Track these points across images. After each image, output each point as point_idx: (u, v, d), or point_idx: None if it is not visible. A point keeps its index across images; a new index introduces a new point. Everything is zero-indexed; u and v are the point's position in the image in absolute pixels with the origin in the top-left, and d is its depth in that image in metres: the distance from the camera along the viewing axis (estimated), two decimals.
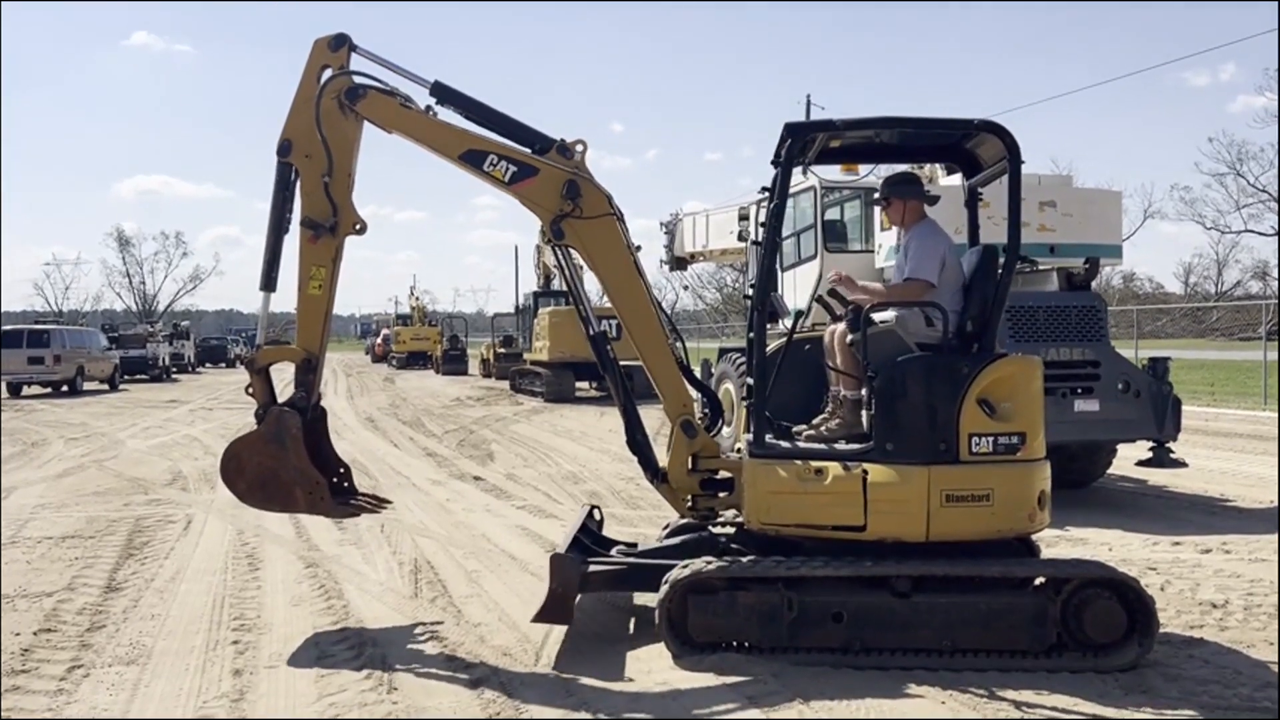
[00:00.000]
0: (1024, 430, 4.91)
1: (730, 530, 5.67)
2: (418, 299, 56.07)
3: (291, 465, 5.43)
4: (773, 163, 5.27)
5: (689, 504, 5.55)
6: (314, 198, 5.48)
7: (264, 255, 5.72)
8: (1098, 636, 4.79)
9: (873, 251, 10.62)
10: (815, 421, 5.46)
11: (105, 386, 30.65)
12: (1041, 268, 10.31)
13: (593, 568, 5.39)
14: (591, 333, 5.73)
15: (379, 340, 57.98)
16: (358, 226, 5.57)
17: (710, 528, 5.70)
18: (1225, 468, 11.69)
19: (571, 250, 5.59)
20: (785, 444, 5.18)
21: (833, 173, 12.48)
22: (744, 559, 5.05)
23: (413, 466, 12.56)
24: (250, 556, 7.47)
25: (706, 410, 5.84)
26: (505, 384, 28.79)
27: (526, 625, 5.35)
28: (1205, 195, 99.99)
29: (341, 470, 5.88)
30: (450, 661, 5.03)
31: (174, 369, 41.64)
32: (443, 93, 5.56)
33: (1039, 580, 4.98)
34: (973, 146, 5.64)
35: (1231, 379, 26.42)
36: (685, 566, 4.98)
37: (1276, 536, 7.74)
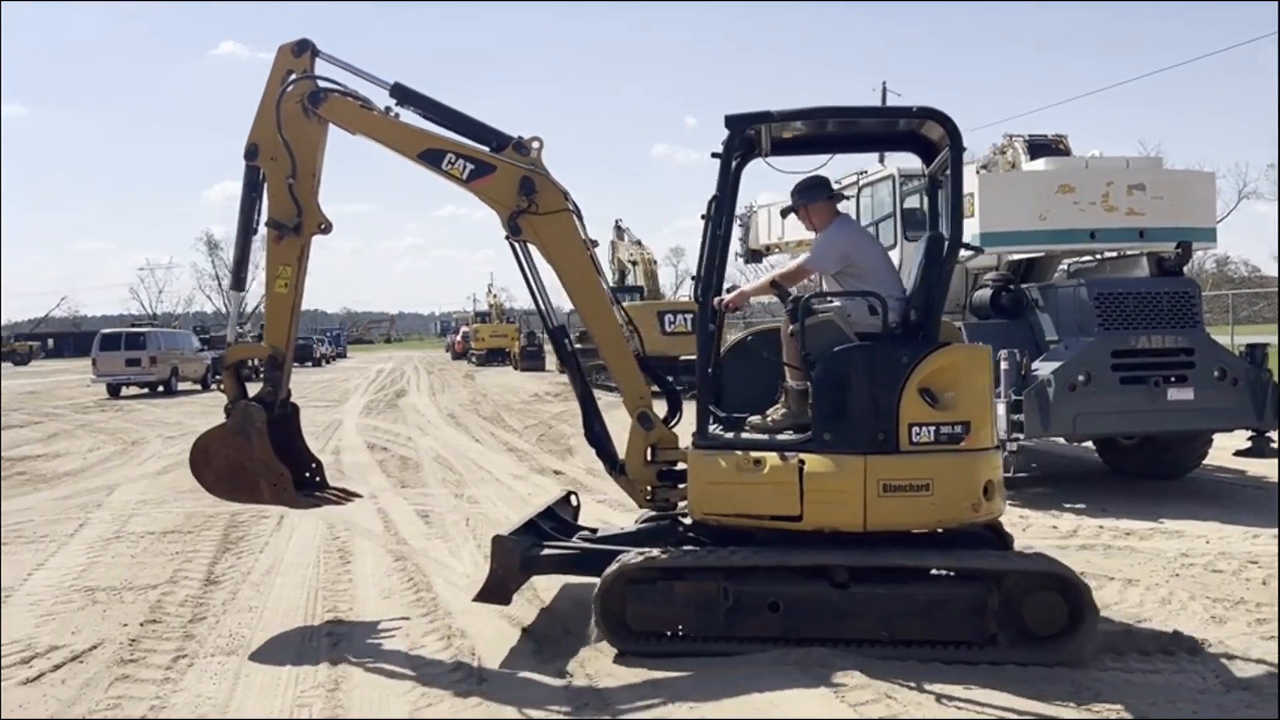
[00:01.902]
0: (968, 419, 4.88)
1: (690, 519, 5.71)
2: (495, 296, 56.76)
3: (256, 458, 5.60)
4: (714, 155, 5.30)
5: (647, 495, 5.62)
6: (279, 199, 5.66)
7: (233, 256, 6.04)
8: (1037, 629, 4.75)
9: None
10: (767, 413, 5.48)
11: (198, 386, 31.63)
12: (1130, 253, 10.05)
13: (544, 551, 5.48)
14: (549, 327, 5.96)
15: (458, 338, 58.79)
16: (322, 226, 5.73)
17: (677, 517, 5.69)
18: None
19: (530, 246, 5.69)
20: (729, 435, 5.24)
21: (912, 160, 12.29)
22: (680, 549, 5.10)
23: (494, 461, 12.74)
24: (341, 550, 7.66)
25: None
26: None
27: None
28: None
29: (314, 464, 6.10)
30: (537, 653, 5.11)
31: (262, 368, 42.69)
32: (402, 94, 5.70)
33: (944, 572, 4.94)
34: (925, 133, 5.61)
35: None
36: (620, 557, 5.03)
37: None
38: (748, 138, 5.47)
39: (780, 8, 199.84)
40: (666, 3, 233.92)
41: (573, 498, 6.56)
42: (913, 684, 4.46)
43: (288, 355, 5.83)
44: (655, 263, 29.61)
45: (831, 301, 5.34)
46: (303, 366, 52.77)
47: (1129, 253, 10.06)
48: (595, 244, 5.79)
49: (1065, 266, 11.04)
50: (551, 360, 39.10)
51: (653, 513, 5.85)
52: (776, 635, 4.86)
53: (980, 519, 4.98)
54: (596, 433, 5.74)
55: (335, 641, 5.40)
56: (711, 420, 5.36)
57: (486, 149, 5.62)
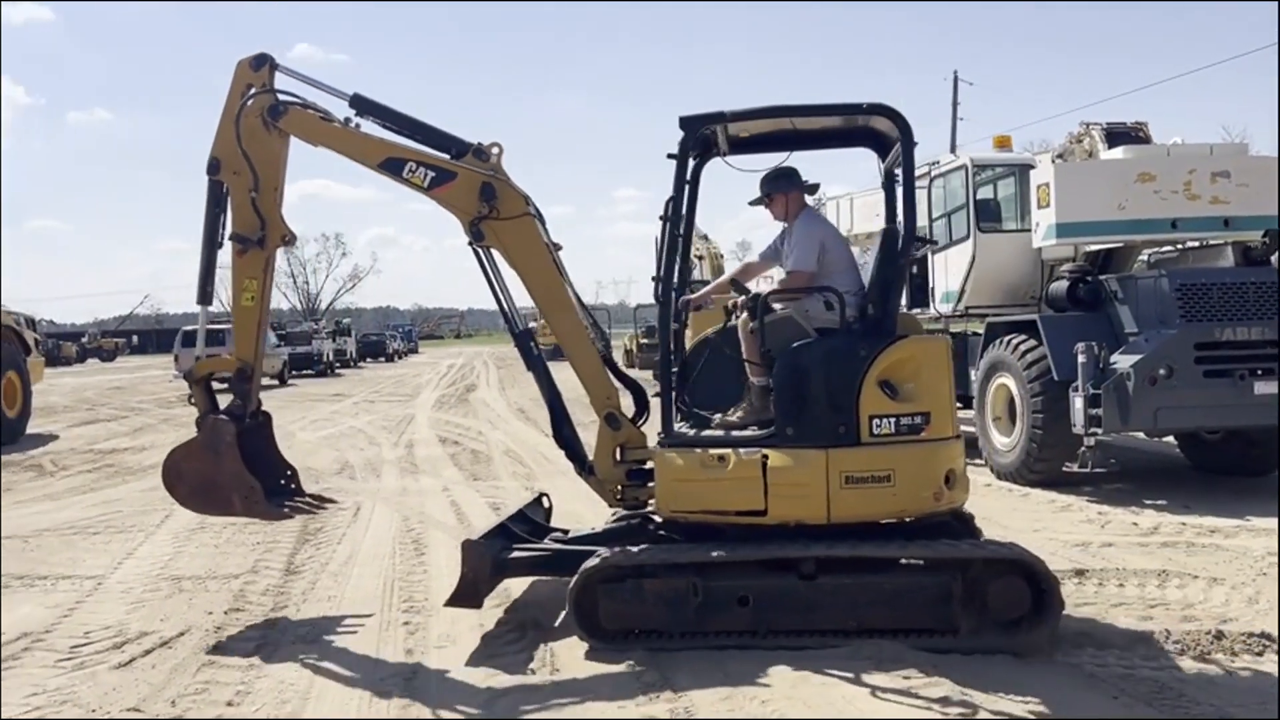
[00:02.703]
0: (928, 410, 4.96)
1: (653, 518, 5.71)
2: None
3: (227, 471, 5.61)
4: (669, 156, 5.36)
5: (617, 494, 5.65)
6: (243, 213, 5.69)
7: (199, 270, 5.94)
8: (1001, 615, 4.80)
9: (1029, 230, 10.25)
10: (730, 410, 5.51)
11: (275, 381, 32.37)
12: (1214, 243, 9.76)
13: (515, 554, 5.56)
14: (515, 331, 5.97)
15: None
16: (286, 238, 5.77)
17: (647, 515, 5.71)
18: None
19: (494, 250, 5.71)
20: (693, 432, 5.29)
21: (985, 149, 12.10)
22: (648, 546, 5.14)
23: (563, 455, 12.81)
24: (416, 542, 7.80)
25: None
26: (649, 374, 29.00)
27: None
28: None
29: (288, 473, 6.13)
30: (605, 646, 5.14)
31: (337, 364, 43.59)
32: (361, 104, 5.74)
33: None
34: (878, 129, 5.65)
35: None
36: (593, 556, 5.05)
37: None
38: (704, 138, 5.58)
39: (856, 6, 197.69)
40: (732, 2, 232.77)
41: (544, 499, 6.64)
42: (979, 683, 4.41)
43: (256, 367, 5.84)
44: (722, 256, 29.53)
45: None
46: (376, 362, 53.74)
47: (1212, 242, 9.77)
48: (559, 247, 5.81)
49: (1145, 257, 10.77)
50: (617, 354, 39.21)
51: (623, 512, 5.92)
52: (745, 629, 4.93)
53: (942, 508, 5.06)
54: (565, 435, 5.81)
55: (412, 631, 5.51)
56: (679, 418, 5.45)
57: (446, 156, 5.65)
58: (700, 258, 29.43)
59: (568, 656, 5.00)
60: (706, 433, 5.37)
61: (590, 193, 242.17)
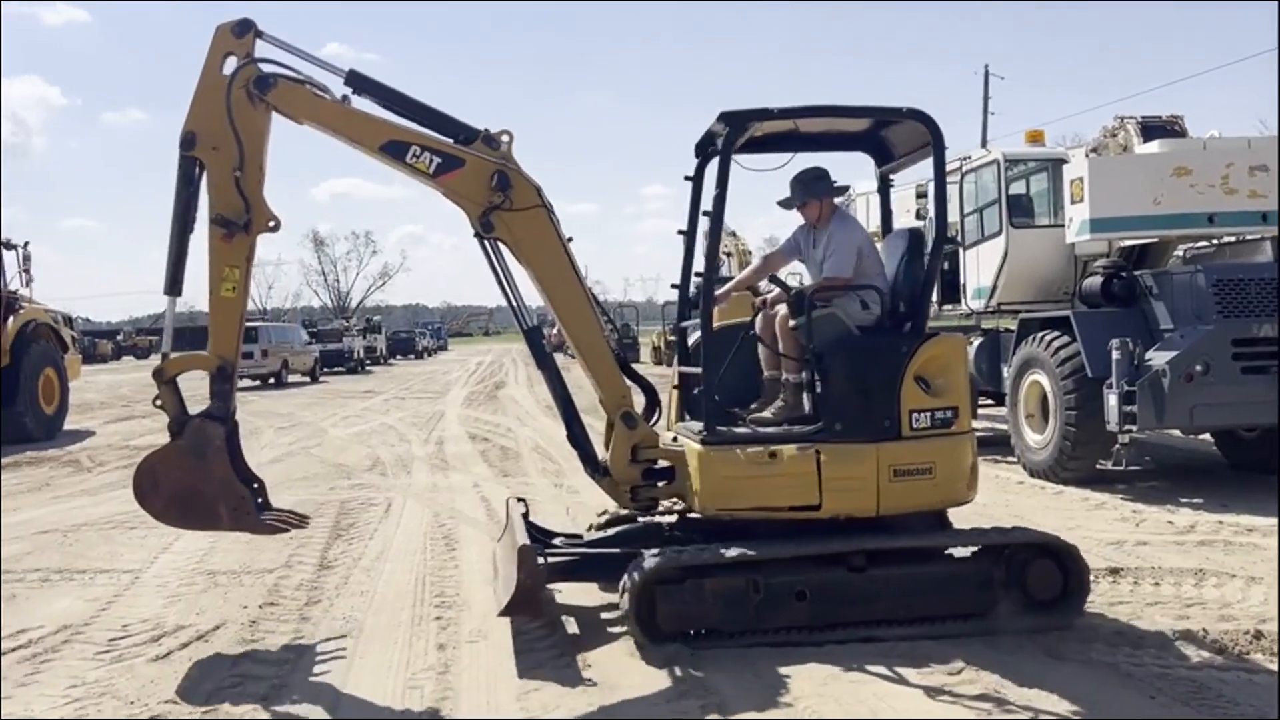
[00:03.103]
0: (956, 405, 5.16)
1: (670, 518, 5.72)
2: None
3: (215, 479, 5.10)
4: (713, 150, 5.39)
5: (631, 496, 5.54)
6: (224, 193, 5.11)
7: (168, 258, 5.29)
8: (1039, 595, 5.04)
9: (1062, 226, 10.15)
10: (754, 406, 5.51)
11: (307, 379, 32.71)
12: (1251, 237, 9.63)
13: (548, 559, 5.39)
14: (525, 328, 5.72)
15: (554, 330, 59.35)
16: (271, 224, 5.22)
17: (654, 517, 5.71)
18: None
19: (500, 244, 5.42)
20: (739, 429, 5.29)
21: (1017, 144, 11.99)
22: (699, 546, 5.07)
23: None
24: (447, 537, 7.85)
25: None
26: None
27: None
28: None
29: (255, 485, 5.44)
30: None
31: (368, 361, 43.93)
32: (359, 82, 5.31)
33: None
34: (887, 134, 5.85)
35: None
36: (652, 556, 4.97)
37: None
38: (709, 137, 5.62)
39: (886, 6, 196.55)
40: (746, 2, 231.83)
41: (521, 505, 6.43)
42: (1013, 682, 4.38)
43: (235, 366, 5.31)
44: (749, 253, 29.44)
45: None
46: (406, 359, 54.06)
47: (1250, 237, 9.63)
48: (570, 239, 5.54)
49: (1181, 253, 10.63)
50: (646, 351, 39.28)
51: (613, 516, 5.95)
52: (803, 624, 4.96)
53: (970, 499, 5.28)
54: (576, 434, 5.65)
55: (444, 625, 5.54)
56: (689, 415, 5.54)
57: (452, 142, 5.33)
58: (728, 254, 29.37)
59: (600, 653, 5.01)
60: (743, 430, 5.34)
61: (618, 190, 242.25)
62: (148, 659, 5.11)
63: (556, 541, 5.87)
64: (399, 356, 54.35)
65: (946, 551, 5.27)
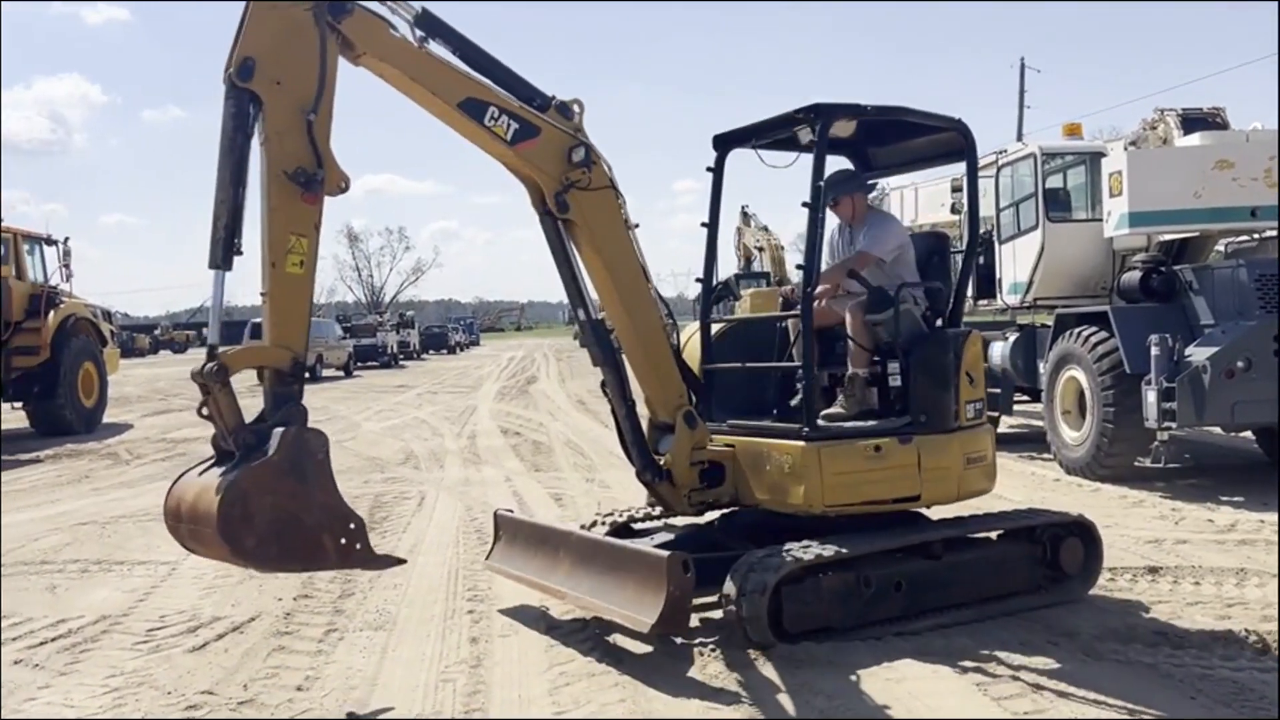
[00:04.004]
0: (983, 397, 5.53)
1: (696, 521, 5.81)
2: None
3: (317, 504, 4.11)
4: (806, 144, 5.54)
5: (690, 501, 5.40)
6: (291, 141, 4.17)
7: (216, 220, 4.15)
8: (1070, 570, 5.44)
9: (1100, 220, 10.01)
10: (835, 403, 5.49)
11: (341, 373, 32.96)
12: None
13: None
14: (592, 320, 5.25)
15: None
16: (343, 185, 4.34)
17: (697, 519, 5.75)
18: None
19: (568, 226, 5.01)
20: (849, 424, 5.32)
21: (1054, 137, 11.85)
22: (802, 545, 4.92)
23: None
24: (479, 532, 7.86)
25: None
26: None
27: None
28: None
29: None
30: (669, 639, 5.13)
31: (401, 356, 44.21)
32: (430, 25, 4.60)
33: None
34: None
35: None
36: (767, 556, 4.79)
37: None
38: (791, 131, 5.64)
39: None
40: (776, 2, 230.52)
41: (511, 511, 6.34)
42: (1050, 681, 4.33)
43: (305, 360, 4.42)
44: (782, 248, 29.30)
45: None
46: (438, 354, 54.36)
47: None
48: (636, 225, 5.20)
49: (1222, 247, 10.45)
50: None
51: (628, 515, 5.95)
52: (899, 614, 5.04)
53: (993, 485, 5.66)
54: (637, 440, 5.35)
55: (476, 619, 5.56)
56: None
57: (529, 107, 4.85)
58: (760, 249, 29.26)
59: (631, 648, 5.00)
60: (845, 426, 5.30)
61: (650, 185, 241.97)
62: (185, 650, 5.17)
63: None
64: (432, 351, 54.64)
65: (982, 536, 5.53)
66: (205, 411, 4.16)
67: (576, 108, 4.96)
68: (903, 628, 4.95)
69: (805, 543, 4.90)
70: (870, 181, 5.95)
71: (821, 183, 5.27)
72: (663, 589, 4.52)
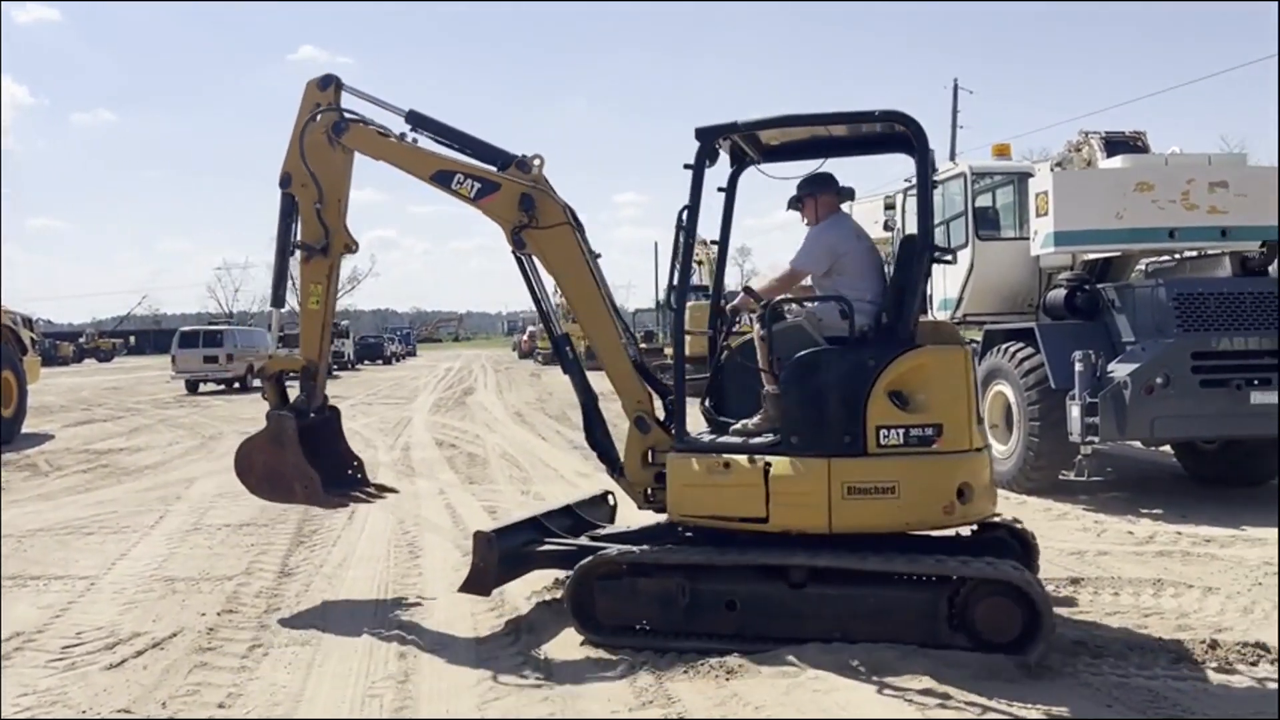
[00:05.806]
0: (940, 422, 4.87)
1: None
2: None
3: (290, 462, 6.11)
4: (685, 166, 5.43)
5: (647, 497, 5.67)
6: (310, 223, 6.17)
7: (273, 276, 6.49)
8: (990, 635, 4.71)
9: (1027, 239, 10.25)
10: (750, 419, 5.49)
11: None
12: (1211, 252, 9.77)
13: (542, 548, 5.72)
14: (553, 335, 6.18)
15: (525, 337, 59.24)
16: (349, 246, 6.31)
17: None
18: None
19: (534, 258, 5.94)
20: (707, 438, 5.38)
21: (984, 157, 12.10)
22: (648, 546, 5.21)
23: (560, 459, 12.82)
24: (410, 545, 7.78)
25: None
26: None
27: None
28: None
29: (355, 463, 6.68)
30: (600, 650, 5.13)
31: (334, 366, 43.51)
32: (417, 120, 6.11)
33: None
34: (896, 136, 5.60)
35: None
36: (593, 554, 5.20)
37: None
38: (732, 147, 5.72)
39: (857, 11, 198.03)
40: (734, 2, 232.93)
41: (609, 498, 6.57)
42: (973, 689, 4.40)
43: (321, 366, 6.32)
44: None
45: (802, 306, 5.56)
46: (373, 364, 53.65)
47: (1210, 252, 9.77)
48: (598, 255, 6.01)
49: (1143, 266, 10.77)
50: None
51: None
52: (732, 633, 5.00)
53: (954, 522, 4.99)
54: (598, 437, 5.91)
55: (405, 634, 5.49)
56: (708, 425, 5.65)
57: (493, 168, 5.90)
58: (700, 263, 29.40)
59: (561, 659, 4.99)
60: (720, 439, 5.39)
61: (592, 197, 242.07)
62: (101, 667, 5.03)
63: (584, 535, 5.89)
64: (366, 362, 53.88)
65: None
66: (265, 395, 6.38)
67: (537, 162, 5.86)
68: (748, 647, 4.85)
69: (645, 546, 5.21)
70: (845, 188, 5.77)
71: (690, 204, 5.40)
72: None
